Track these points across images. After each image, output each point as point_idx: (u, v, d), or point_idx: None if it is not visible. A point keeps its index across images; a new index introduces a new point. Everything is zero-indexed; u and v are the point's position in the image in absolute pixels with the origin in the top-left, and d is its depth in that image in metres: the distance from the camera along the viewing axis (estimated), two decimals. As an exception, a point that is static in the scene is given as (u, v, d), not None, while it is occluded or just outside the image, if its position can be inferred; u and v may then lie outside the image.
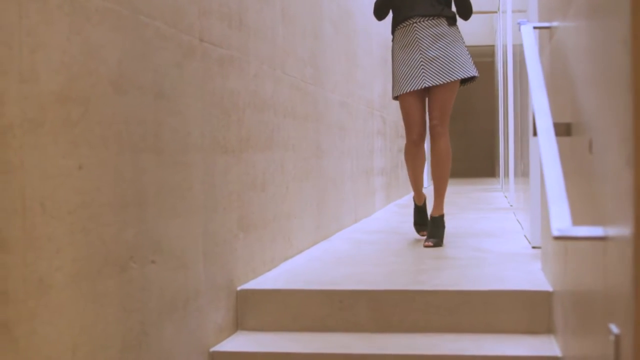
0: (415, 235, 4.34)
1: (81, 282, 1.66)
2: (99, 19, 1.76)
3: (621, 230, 1.19)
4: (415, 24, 3.83)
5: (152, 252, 2.03)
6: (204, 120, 2.43)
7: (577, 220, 1.71)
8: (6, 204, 1.40)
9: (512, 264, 3.19)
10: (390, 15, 4.09)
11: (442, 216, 3.95)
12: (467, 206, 6.73)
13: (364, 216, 5.70)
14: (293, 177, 3.59)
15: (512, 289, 2.60)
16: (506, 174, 7.92)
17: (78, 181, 1.65)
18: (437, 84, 3.78)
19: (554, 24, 2.25)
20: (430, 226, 3.95)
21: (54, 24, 1.57)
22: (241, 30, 2.83)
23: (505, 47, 7.33)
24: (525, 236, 4.20)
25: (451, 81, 3.79)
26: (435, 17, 3.83)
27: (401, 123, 8.22)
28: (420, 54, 3.80)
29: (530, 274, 2.89)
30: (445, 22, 3.84)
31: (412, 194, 5.61)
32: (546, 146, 1.68)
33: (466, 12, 3.91)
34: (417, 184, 4.14)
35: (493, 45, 12.79)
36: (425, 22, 3.82)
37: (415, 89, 3.80)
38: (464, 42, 3.89)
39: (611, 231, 1.29)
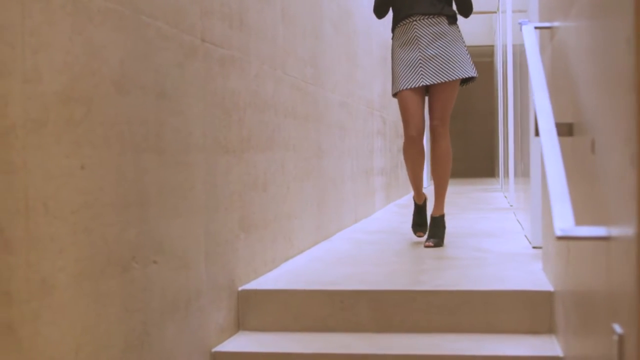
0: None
1: (84, 282, 1.66)
2: (101, 19, 1.76)
3: (625, 230, 1.19)
4: (415, 22, 3.82)
5: (154, 252, 2.03)
6: (206, 120, 2.43)
7: (579, 220, 1.71)
8: (9, 204, 1.40)
9: (512, 264, 3.19)
10: (391, 13, 4.09)
11: (442, 216, 3.95)
12: (467, 206, 6.73)
13: (364, 216, 5.70)
14: (294, 177, 3.59)
15: (513, 289, 2.60)
16: (506, 174, 7.93)
17: (81, 181, 1.65)
18: (435, 82, 3.77)
19: (555, 24, 2.25)
20: (430, 226, 3.95)
21: (57, 24, 1.57)
22: (242, 31, 2.83)
23: (505, 47, 7.33)
24: (525, 236, 4.20)
25: (449, 80, 3.78)
26: (436, 16, 3.82)
27: (401, 123, 8.22)
28: (419, 52, 3.80)
29: (531, 274, 2.90)
30: (446, 20, 3.83)
31: (412, 193, 5.60)
32: (548, 146, 1.68)
33: (466, 9, 3.90)
34: (416, 183, 4.09)
35: (492, 46, 12.79)
36: (425, 20, 3.82)
37: (413, 86, 3.78)
38: (464, 42, 3.87)
39: (615, 231, 1.29)
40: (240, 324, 2.72)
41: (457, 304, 2.60)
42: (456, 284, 2.72)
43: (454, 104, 3.89)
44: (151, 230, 2.01)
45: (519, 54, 4.94)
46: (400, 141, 8.32)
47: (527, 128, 4.31)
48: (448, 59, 3.78)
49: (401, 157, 8.27)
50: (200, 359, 2.35)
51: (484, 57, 14.13)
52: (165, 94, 2.12)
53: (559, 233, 1.39)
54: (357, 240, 4.27)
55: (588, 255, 1.69)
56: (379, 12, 4.02)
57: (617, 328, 1.25)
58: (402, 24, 3.88)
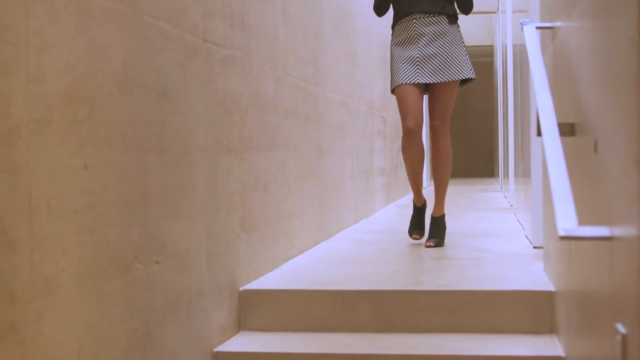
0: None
1: (87, 282, 1.66)
2: (104, 19, 1.76)
3: (629, 230, 1.19)
4: (415, 20, 3.82)
5: (156, 252, 2.03)
6: (207, 120, 2.43)
7: (581, 220, 1.71)
8: (13, 204, 1.41)
9: (513, 264, 3.19)
10: (391, 12, 4.08)
11: (443, 216, 3.95)
12: (467, 206, 6.73)
13: (364, 216, 5.70)
14: (295, 177, 3.59)
15: (514, 289, 2.60)
16: (506, 174, 7.93)
17: (84, 181, 1.65)
18: (432, 82, 3.77)
19: (557, 24, 2.25)
20: (431, 226, 3.95)
21: (60, 24, 1.57)
22: (243, 31, 2.84)
23: (504, 47, 7.33)
24: (526, 236, 4.21)
25: (448, 81, 3.77)
26: (436, 15, 3.81)
27: (401, 123, 8.22)
28: (418, 50, 3.79)
29: (532, 274, 2.90)
30: (446, 19, 3.82)
31: (412, 194, 5.59)
32: (551, 146, 1.69)
33: (467, 7, 3.89)
34: (416, 183, 4.04)
35: (492, 46, 12.80)
36: (426, 19, 3.81)
37: (410, 82, 3.77)
38: (463, 42, 3.86)
39: (618, 231, 1.29)
40: (242, 324, 2.72)
41: (459, 304, 2.60)
42: (457, 284, 2.72)
43: (453, 104, 3.89)
44: (153, 230, 2.01)
45: (519, 54, 4.94)
46: (400, 141, 8.32)
47: (527, 128, 4.31)
48: (446, 59, 3.78)
49: (401, 157, 8.27)
50: (202, 359, 2.35)
51: (483, 57, 14.14)
52: (167, 94, 2.12)
53: (562, 233, 1.39)
54: (357, 240, 4.27)
55: (590, 255, 1.69)
56: (379, 9, 4.01)
57: (621, 328, 1.25)
58: (402, 21, 3.87)
